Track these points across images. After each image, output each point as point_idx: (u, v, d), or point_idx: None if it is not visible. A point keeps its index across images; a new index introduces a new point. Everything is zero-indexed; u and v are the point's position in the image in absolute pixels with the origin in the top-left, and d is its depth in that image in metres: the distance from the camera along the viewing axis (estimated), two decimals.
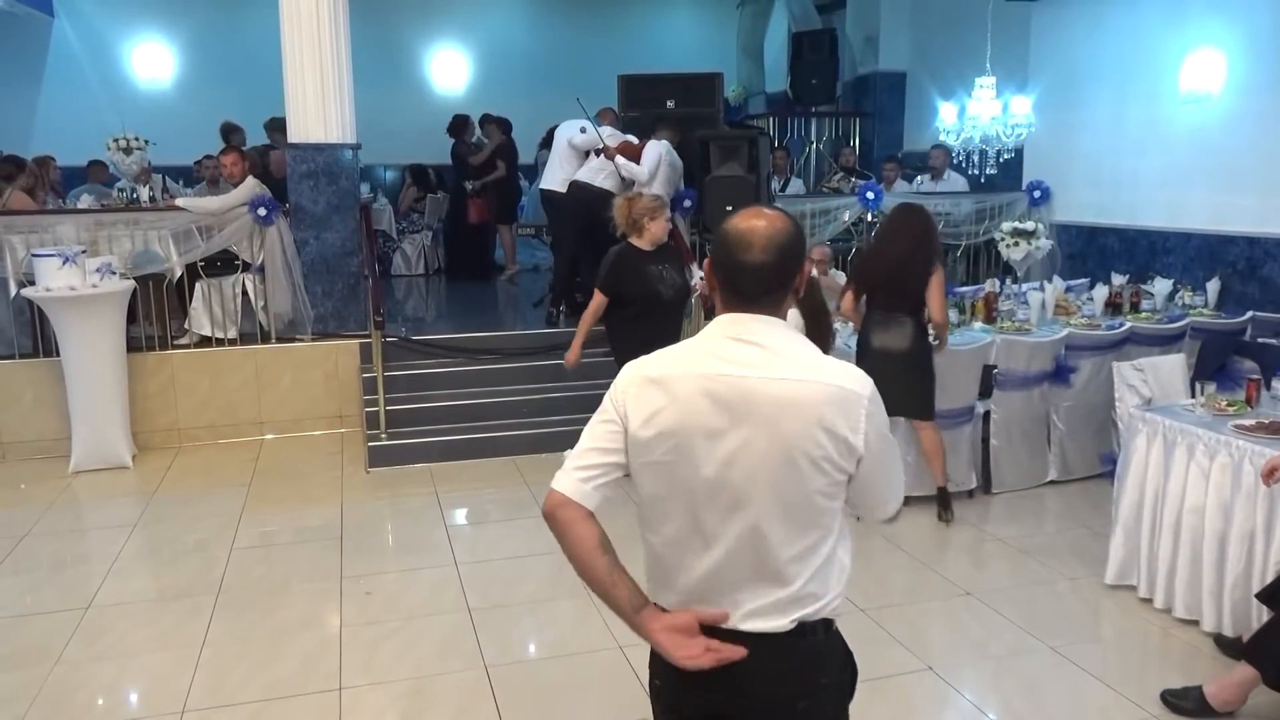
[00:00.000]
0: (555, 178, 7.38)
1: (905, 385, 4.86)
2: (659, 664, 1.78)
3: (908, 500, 5.24)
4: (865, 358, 4.95)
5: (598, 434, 1.74)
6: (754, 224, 1.68)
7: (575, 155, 7.34)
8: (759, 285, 1.68)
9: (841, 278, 6.20)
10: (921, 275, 4.81)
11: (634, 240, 5.18)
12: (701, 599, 1.72)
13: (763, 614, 1.69)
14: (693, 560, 1.72)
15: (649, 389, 1.69)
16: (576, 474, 1.77)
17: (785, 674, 1.72)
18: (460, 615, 4.06)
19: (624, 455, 1.73)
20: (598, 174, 6.99)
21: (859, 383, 1.66)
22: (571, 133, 7.28)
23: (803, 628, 1.70)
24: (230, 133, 8.82)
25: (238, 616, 4.08)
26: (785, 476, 1.64)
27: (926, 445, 5.05)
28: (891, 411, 5.43)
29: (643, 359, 1.75)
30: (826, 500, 1.67)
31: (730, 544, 1.68)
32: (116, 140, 8.70)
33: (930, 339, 5.04)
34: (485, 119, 9.78)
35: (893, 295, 4.90)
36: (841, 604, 1.76)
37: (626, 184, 7.11)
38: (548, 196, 7.49)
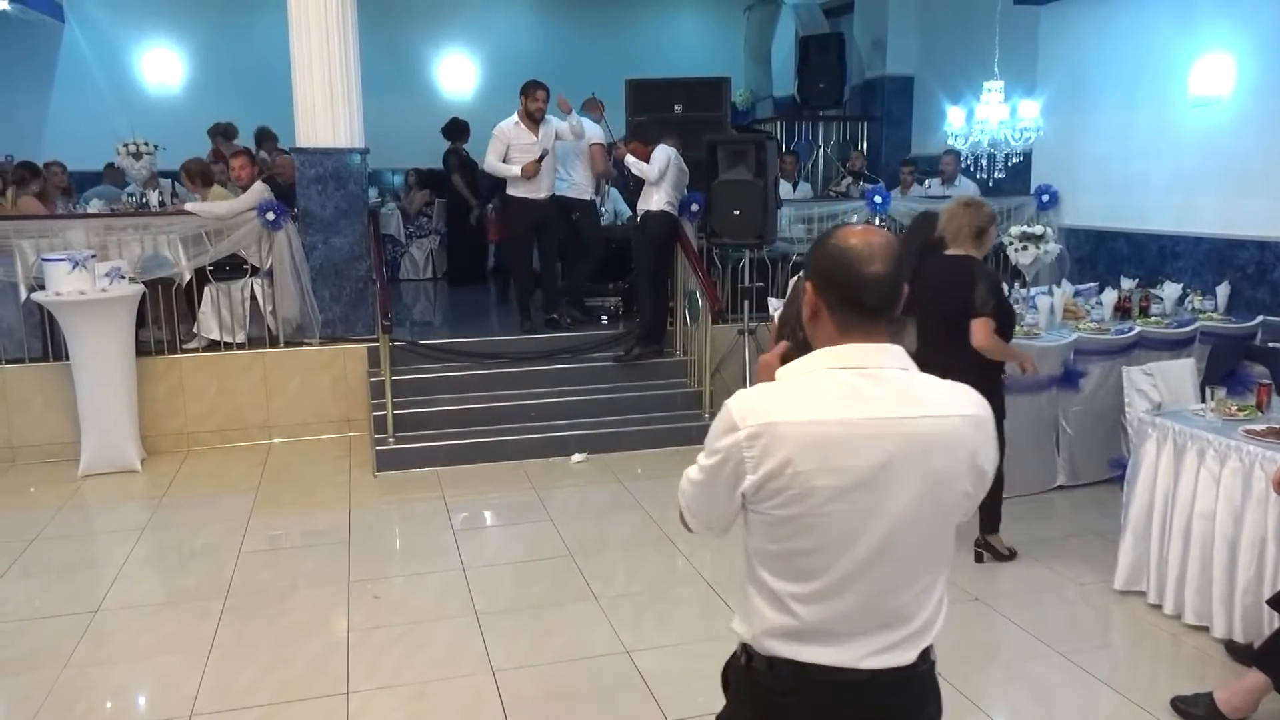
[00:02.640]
0: (578, 183, 7.40)
1: None
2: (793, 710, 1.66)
3: None
4: None
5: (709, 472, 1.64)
6: (869, 238, 1.57)
7: (595, 166, 7.40)
8: (882, 299, 1.56)
9: None
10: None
11: (972, 251, 4.33)
12: (818, 635, 1.60)
13: (889, 649, 1.59)
14: (819, 606, 1.59)
15: (776, 433, 1.52)
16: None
17: (910, 708, 1.66)
18: (467, 619, 4.06)
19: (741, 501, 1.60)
20: (574, 186, 7.07)
21: (982, 406, 1.61)
22: (596, 139, 7.41)
23: (923, 655, 1.64)
24: (220, 133, 8.83)
25: (245, 620, 4.08)
26: (931, 518, 1.56)
27: None
28: None
29: (764, 399, 1.57)
30: (951, 531, 1.64)
31: (863, 591, 1.56)
32: (126, 145, 8.73)
33: None
34: None
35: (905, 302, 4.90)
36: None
37: (598, 188, 7.21)
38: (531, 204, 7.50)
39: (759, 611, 1.64)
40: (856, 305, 1.56)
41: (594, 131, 7.54)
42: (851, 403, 1.53)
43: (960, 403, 1.59)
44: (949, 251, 4.34)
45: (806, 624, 1.59)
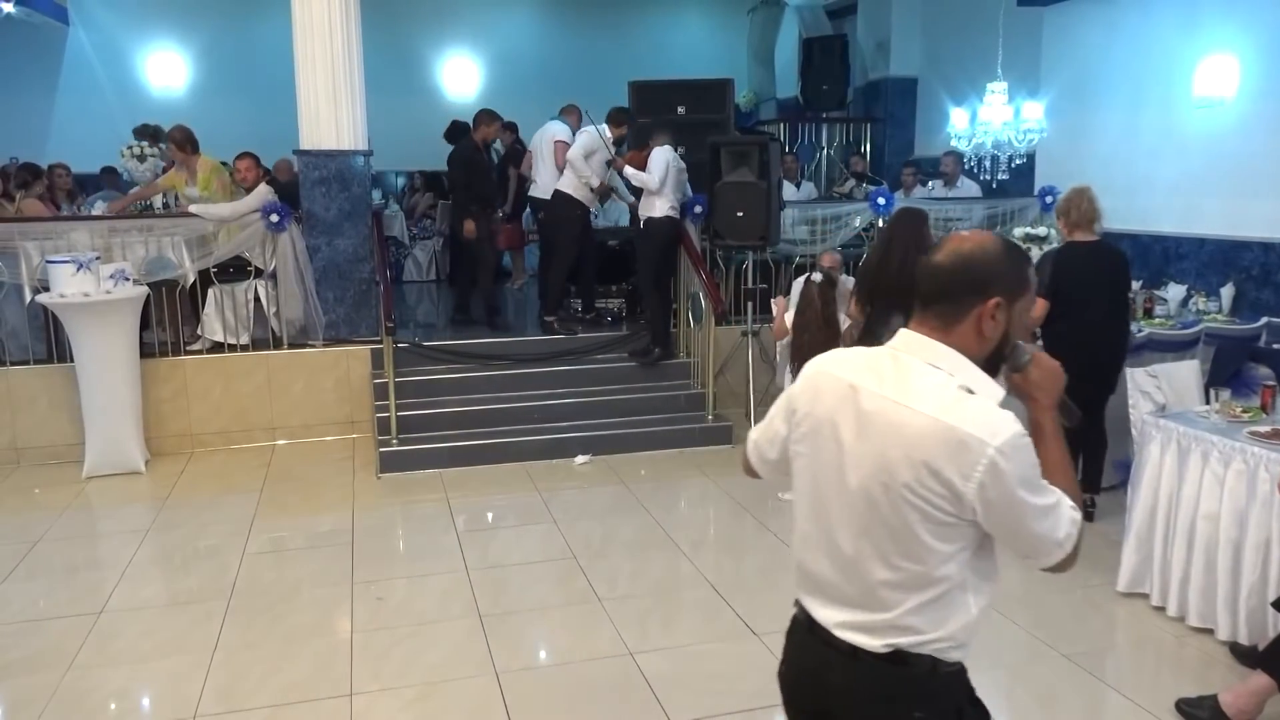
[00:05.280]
0: (543, 184, 7.49)
1: None
2: (784, 656, 1.87)
3: None
4: None
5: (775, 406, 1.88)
6: (960, 235, 1.71)
7: (554, 162, 7.48)
8: (930, 283, 1.68)
9: (850, 282, 6.20)
10: (900, 273, 4.86)
11: (1080, 236, 4.95)
12: (811, 593, 1.78)
13: (858, 629, 1.70)
14: (811, 558, 1.77)
15: (812, 382, 1.77)
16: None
17: (877, 696, 1.71)
18: (471, 621, 4.06)
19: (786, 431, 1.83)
20: (578, 186, 7.09)
21: (989, 432, 1.55)
22: (560, 136, 7.49)
23: (900, 655, 1.68)
24: (148, 136, 8.85)
25: (249, 622, 4.09)
26: (883, 501, 1.63)
27: None
28: None
29: (828, 356, 1.80)
30: (935, 540, 1.62)
31: (834, 554, 1.71)
32: (131, 148, 8.76)
33: None
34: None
35: (887, 298, 4.94)
36: (963, 654, 1.71)
37: (601, 194, 7.30)
38: (538, 204, 7.54)
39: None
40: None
41: (559, 130, 7.61)
42: (864, 371, 1.70)
43: (962, 415, 1.57)
44: (1085, 238, 4.88)
45: (800, 572, 1.80)
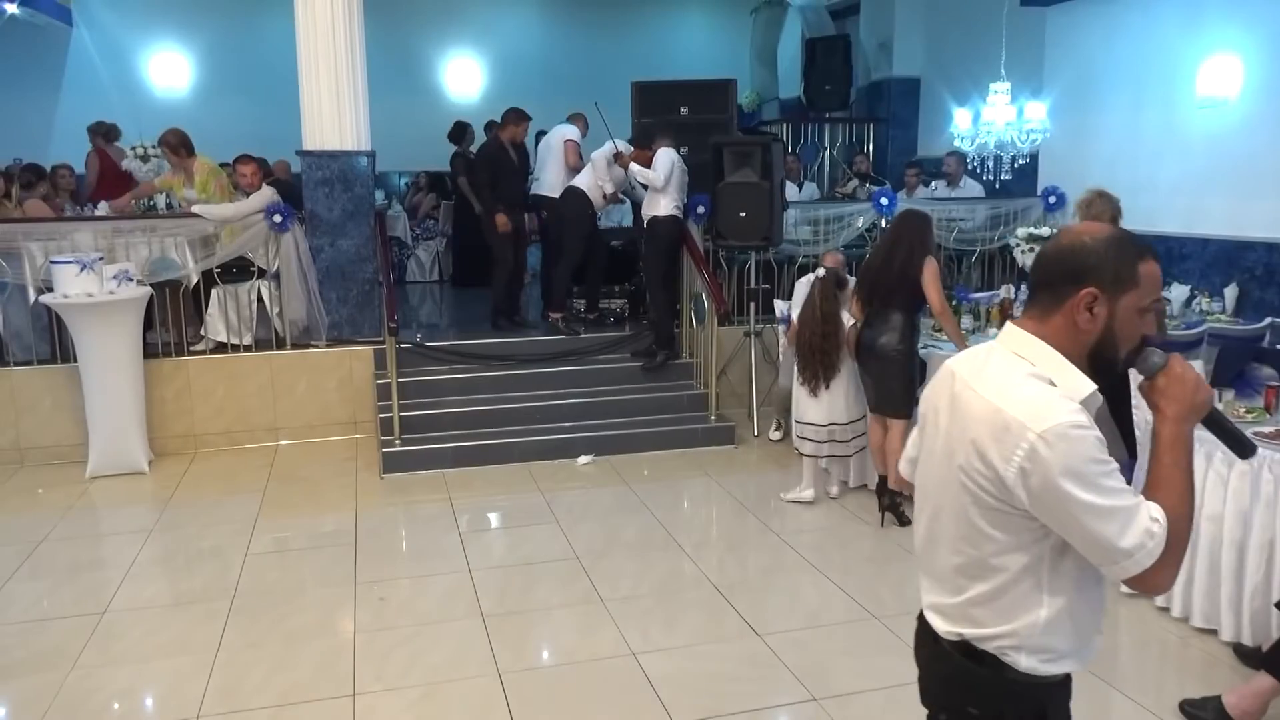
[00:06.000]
0: (549, 183, 7.47)
1: (885, 382, 5.03)
2: None
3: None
4: (859, 355, 5.15)
5: None
6: (1073, 225, 1.72)
7: (563, 161, 7.51)
8: (1035, 273, 1.69)
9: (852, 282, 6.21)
10: (902, 274, 4.89)
11: None
12: (921, 574, 1.83)
13: (937, 612, 1.76)
14: (917, 541, 1.83)
15: (936, 375, 1.82)
16: None
17: (939, 676, 1.79)
18: (474, 621, 4.06)
19: None
20: (594, 187, 7.14)
21: (1034, 417, 1.52)
22: (570, 136, 7.55)
23: (966, 646, 1.69)
24: (101, 133, 8.87)
25: (252, 622, 4.09)
26: (949, 482, 1.66)
27: (892, 444, 5.05)
28: (873, 408, 5.50)
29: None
30: (989, 526, 1.61)
31: (924, 535, 1.78)
32: (134, 148, 8.77)
33: (935, 329, 5.18)
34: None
35: (887, 296, 4.98)
36: (1034, 662, 1.67)
37: (610, 201, 7.34)
38: (545, 203, 7.54)
39: None
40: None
41: (570, 131, 7.69)
42: (966, 360, 1.74)
43: (1011, 399, 1.57)
44: None
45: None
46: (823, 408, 5.27)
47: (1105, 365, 1.64)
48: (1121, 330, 1.62)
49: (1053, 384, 1.58)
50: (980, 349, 1.74)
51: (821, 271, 5.36)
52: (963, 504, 1.63)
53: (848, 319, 5.21)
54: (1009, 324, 1.70)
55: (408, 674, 3.64)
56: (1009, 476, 1.55)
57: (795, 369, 5.40)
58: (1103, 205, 4.98)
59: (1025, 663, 1.65)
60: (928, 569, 1.78)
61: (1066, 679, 1.73)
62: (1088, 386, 1.59)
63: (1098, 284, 1.59)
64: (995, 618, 1.65)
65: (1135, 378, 1.68)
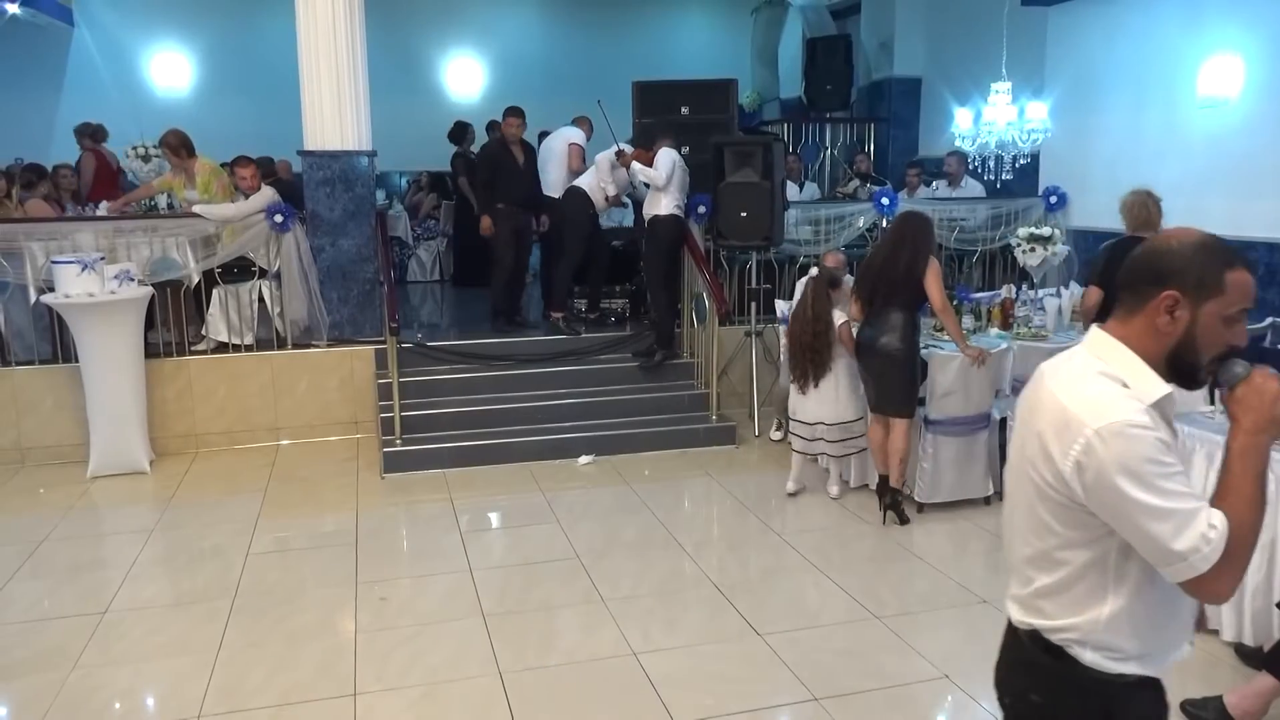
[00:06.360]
0: (551, 183, 7.48)
1: (888, 381, 5.03)
2: None
3: (920, 508, 5.22)
4: (858, 353, 5.14)
5: None
6: (1168, 229, 1.73)
7: (566, 162, 7.53)
8: (1123, 274, 1.69)
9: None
10: (907, 273, 4.89)
11: (1141, 234, 4.96)
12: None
13: (1014, 600, 1.80)
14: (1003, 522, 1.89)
15: (1035, 373, 1.83)
16: None
17: (1008, 662, 1.85)
18: (474, 621, 4.06)
19: None
20: (596, 188, 7.14)
21: (1094, 414, 1.55)
22: (575, 140, 7.58)
23: (1036, 636, 1.74)
24: (89, 134, 8.87)
25: (253, 622, 4.09)
26: (1022, 475, 1.71)
27: (894, 443, 5.05)
28: (875, 407, 5.49)
29: None
30: (1053, 520, 1.65)
31: (1005, 520, 1.84)
32: (135, 148, 8.78)
33: (936, 328, 5.23)
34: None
35: (889, 295, 4.97)
36: (1100, 658, 1.68)
37: (611, 204, 7.36)
38: (546, 203, 7.54)
39: None
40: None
41: (576, 134, 7.72)
42: (1053, 360, 1.76)
43: (1076, 395, 1.61)
44: (1140, 235, 4.85)
45: None
46: (811, 406, 5.29)
47: (1185, 371, 1.64)
48: (1203, 336, 1.61)
49: (1125, 385, 1.59)
50: (1068, 350, 1.76)
51: (814, 271, 5.37)
52: (1030, 497, 1.68)
53: (839, 316, 5.21)
54: (1094, 326, 1.72)
55: (408, 674, 3.64)
56: (1066, 470, 1.59)
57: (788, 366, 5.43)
58: (1144, 209, 5.05)
59: (1089, 657, 1.68)
60: (1008, 560, 1.83)
61: (1143, 684, 1.70)
62: (1161, 389, 1.61)
63: (1179, 287, 1.59)
64: (1060, 610, 1.69)
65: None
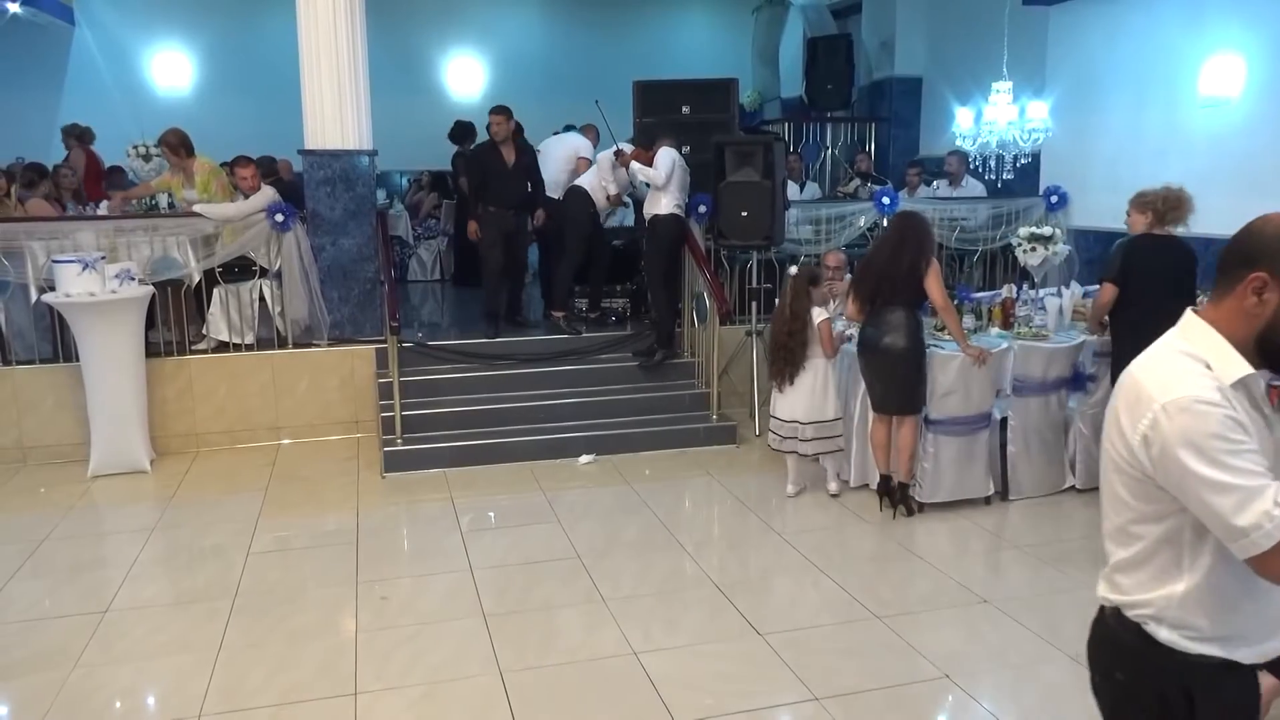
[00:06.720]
0: (550, 183, 7.49)
1: (894, 380, 5.03)
2: None
3: (922, 507, 5.22)
4: (861, 353, 5.15)
5: None
6: (1268, 215, 1.72)
7: (569, 164, 7.55)
8: (1218, 258, 1.71)
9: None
10: (910, 273, 4.90)
11: (1157, 231, 5.03)
12: None
13: (1101, 575, 1.83)
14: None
15: None
16: None
17: (1095, 638, 1.87)
18: (475, 620, 4.06)
19: None
20: (597, 188, 7.15)
21: (1162, 389, 1.60)
22: (584, 153, 7.65)
23: (1116, 611, 1.78)
24: (76, 135, 8.88)
25: (254, 621, 4.09)
26: (1105, 451, 1.75)
27: (904, 439, 5.06)
28: (879, 407, 5.49)
29: None
30: (1128, 494, 1.69)
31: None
32: (136, 147, 8.78)
33: (937, 328, 5.23)
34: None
35: (890, 295, 4.98)
36: (1176, 636, 1.70)
37: (612, 204, 7.38)
38: (547, 203, 7.55)
39: None
40: None
41: (583, 146, 7.77)
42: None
43: (1149, 373, 1.66)
44: (1160, 232, 4.94)
45: None
46: (785, 404, 5.31)
47: (1275, 353, 1.64)
48: None
49: (1209, 366, 1.61)
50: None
51: (794, 270, 5.38)
52: (1109, 471, 1.73)
53: (819, 315, 5.21)
54: (1188, 310, 1.74)
55: (409, 673, 3.64)
56: (1134, 443, 1.63)
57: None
58: (1175, 209, 5.02)
59: (1165, 635, 1.70)
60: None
61: (1229, 668, 1.70)
62: (1242, 369, 1.62)
63: (1269, 269, 1.61)
64: (1135, 586, 1.72)
65: None
